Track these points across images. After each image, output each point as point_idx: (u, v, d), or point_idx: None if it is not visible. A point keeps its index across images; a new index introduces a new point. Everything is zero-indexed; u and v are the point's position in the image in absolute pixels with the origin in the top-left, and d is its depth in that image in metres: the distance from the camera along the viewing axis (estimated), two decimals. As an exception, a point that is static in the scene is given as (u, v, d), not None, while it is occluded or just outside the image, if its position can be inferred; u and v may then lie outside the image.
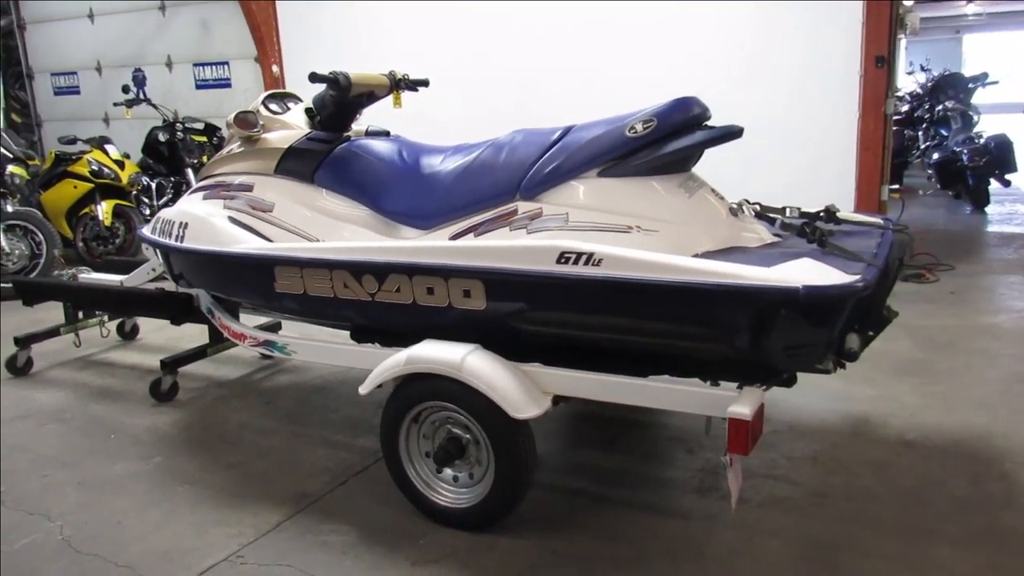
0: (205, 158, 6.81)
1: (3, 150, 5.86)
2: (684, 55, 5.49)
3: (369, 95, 3.09)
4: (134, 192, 6.49)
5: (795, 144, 5.23)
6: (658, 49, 5.56)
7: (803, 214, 2.58)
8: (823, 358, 2.15)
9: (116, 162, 6.40)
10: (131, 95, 6.64)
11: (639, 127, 2.44)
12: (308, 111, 3.13)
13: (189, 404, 3.56)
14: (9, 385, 3.87)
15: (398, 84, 3.19)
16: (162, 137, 6.80)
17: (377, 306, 2.56)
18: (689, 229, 2.43)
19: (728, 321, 2.07)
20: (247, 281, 2.85)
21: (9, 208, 5.72)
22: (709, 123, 2.55)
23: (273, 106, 3.18)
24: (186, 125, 6.90)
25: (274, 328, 3.66)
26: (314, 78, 2.86)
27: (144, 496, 2.73)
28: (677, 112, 2.44)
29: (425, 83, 3.36)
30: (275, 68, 7.02)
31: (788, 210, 2.59)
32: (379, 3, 6.38)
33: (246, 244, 2.80)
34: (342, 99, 2.99)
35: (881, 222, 2.68)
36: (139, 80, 7.86)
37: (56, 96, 8.51)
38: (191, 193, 3.28)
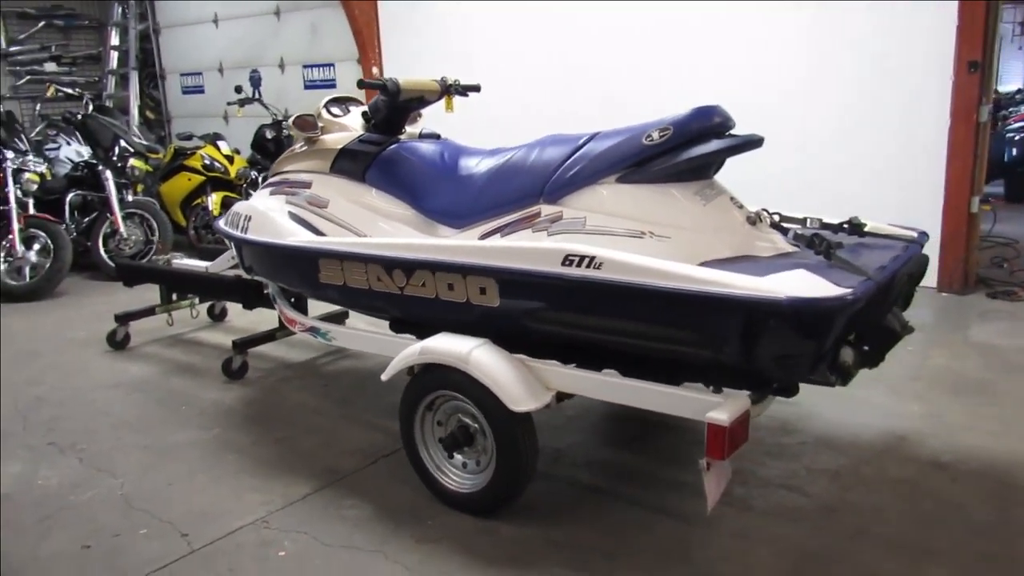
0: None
1: (125, 144, 6.44)
2: (749, 57, 5.43)
3: (419, 100, 3.27)
4: (242, 185, 6.97)
5: (874, 153, 5.06)
6: (727, 51, 5.51)
7: (824, 224, 2.57)
8: (815, 370, 2.14)
9: (226, 157, 6.90)
10: (243, 95, 7.13)
11: (655, 135, 2.50)
12: (364, 114, 3.34)
13: (256, 382, 3.86)
14: (108, 357, 4.30)
15: (448, 89, 3.35)
16: (269, 134, 7.26)
17: (406, 299, 2.73)
18: (701, 237, 2.47)
19: (718, 328, 2.11)
20: (297, 271, 3.09)
21: (129, 198, 6.29)
22: (733, 132, 2.58)
23: (335, 109, 3.41)
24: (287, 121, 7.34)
25: (339, 318, 3.90)
26: (362, 84, 3.07)
27: (197, 462, 3.02)
28: (694, 121, 2.48)
29: (476, 88, 3.51)
30: (375, 69, 7.36)
31: (809, 220, 2.58)
32: (475, 4, 6.58)
33: (296, 237, 3.03)
34: (393, 103, 3.18)
35: (912, 235, 2.62)
36: (255, 80, 8.44)
37: (184, 95, 9.22)
38: (261, 188, 3.56)
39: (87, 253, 6.13)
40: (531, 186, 2.70)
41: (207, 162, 6.77)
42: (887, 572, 2.21)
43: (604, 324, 2.31)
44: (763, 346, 2.07)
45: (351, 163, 3.20)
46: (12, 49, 8.83)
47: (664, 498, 2.66)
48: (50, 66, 9.13)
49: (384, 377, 2.66)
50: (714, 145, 2.45)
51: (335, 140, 3.25)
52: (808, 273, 2.09)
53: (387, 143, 3.18)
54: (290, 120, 3.25)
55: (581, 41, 6.10)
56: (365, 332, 3.07)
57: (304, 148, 3.36)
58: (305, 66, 7.97)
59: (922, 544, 2.34)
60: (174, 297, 4.53)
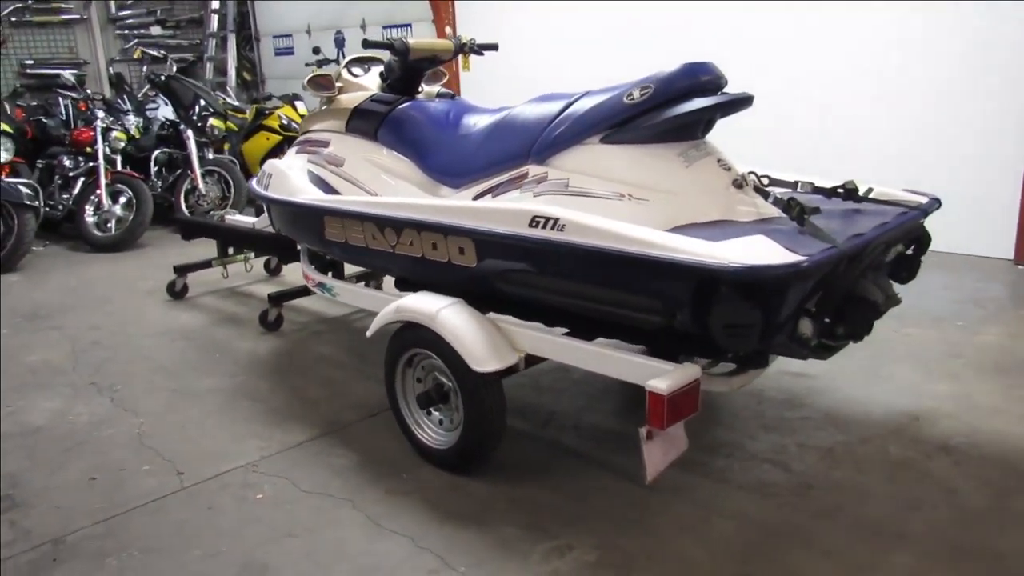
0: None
1: (205, 104, 6.75)
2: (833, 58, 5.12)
3: (431, 59, 3.28)
4: (317, 144, 7.19)
5: (960, 122, 4.70)
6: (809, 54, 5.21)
7: (816, 188, 2.43)
8: (770, 341, 2.05)
9: (302, 117, 7.12)
10: (320, 56, 7.31)
11: (636, 94, 2.43)
12: (381, 74, 3.39)
13: (289, 335, 4.03)
14: (165, 306, 4.59)
15: (462, 48, 3.34)
16: (344, 95, 7.43)
17: (397, 257, 2.78)
18: (681, 200, 2.40)
19: (671, 295, 2.06)
20: (306, 227, 3.19)
21: (209, 155, 6.62)
22: (725, 90, 2.47)
23: (356, 69, 3.47)
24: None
25: (370, 279, 4.00)
26: (367, 44, 3.11)
27: (213, 407, 3.20)
28: (677, 79, 2.40)
29: (494, 47, 3.50)
30: (448, 30, 7.35)
31: (800, 184, 2.45)
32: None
33: (305, 194, 3.13)
34: (405, 63, 3.21)
35: (917, 202, 2.45)
36: (339, 42, 8.64)
37: (276, 56, 9.55)
38: (291, 147, 3.68)
39: (172, 208, 6.51)
40: (520, 146, 2.69)
41: (284, 122, 7.02)
42: (846, 555, 2.11)
43: (570, 288, 2.28)
44: (714, 314, 2.00)
45: (363, 122, 3.25)
46: (121, 14, 9.36)
47: (635, 464, 2.62)
48: (155, 30, 9.63)
49: (368, 334, 2.73)
50: (695, 104, 2.36)
51: (350, 100, 3.32)
52: (767, 240, 2.00)
53: (397, 102, 3.21)
54: (306, 80, 3.33)
55: (666, 9, 5.91)
56: (363, 290, 3.15)
57: (324, 108, 3.44)
58: (384, 27, 8.08)
59: (896, 528, 2.22)
60: (230, 251, 4.76)
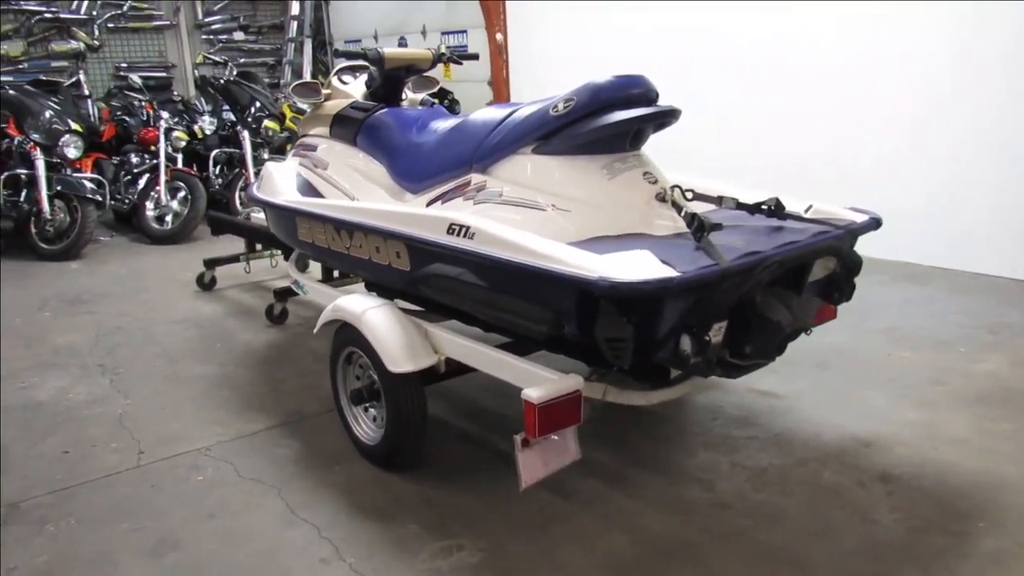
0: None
1: (261, 106, 7.10)
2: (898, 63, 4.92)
3: (408, 68, 3.39)
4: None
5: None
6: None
7: (740, 204, 2.39)
8: (650, 355, 2.05)
9: (300, 121, 7.37)
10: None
11: (561, 106, 2.47)
12: (367, 82, 3.52)
13: (291, 328, 4.23)
14: (192, 296, 4.88)
15: (440, 58, 3.43)
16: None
17: (352, 259, 2.90)
18: (599, 212, 2.43)
19: (558, 306, 2.08)
20: (284, 228, 3.36)
21: (264, 156, 6.95)
22: (656, 102, 2.49)
23: (347, 77, 3.62)
24: (421, 88, 7.69)
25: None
26: (339, 54, 3.24)
27: (196, 392, 3.41)
28: (600, 91, 2.43)
29: (474, 57, 3.57)
30: (499, 36, 7.49)
31: (724, 200, 2.41)
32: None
33: (282, 196, 3.29)
34: (382, 72, 3.33)
35: (848, 221, 2.38)
36: (402, 47, 8.87)
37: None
38: (291, 150, 3.87)
39: (229, 205, 6.88)
40: (465, 154, 2.76)
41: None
42: (725, 576, 2.08)
43: (479, 295, 2.33)
44: (597, 327, 2.02)
45: (343, 128, 3.39)
46: (207, 20, 9.92)
47: (565, 475, 2.63)
48: (238, 35, 10.16)
49: (315, 331, 2.86)
50: (614, 116, 2.38)
51: (332, 106, 3.46)
52: (649, 255, 2.01)
53: (374, 109, 3.33)
54: (291, 87, 3.49)
55: (729, 20, 5.82)
56: (326, 289, 3.30)
57: (313, 114, 3.60)
58: (443, 33, 8.27)
59: (795, 556, 2.17)
60: (258, 248, 5.00)
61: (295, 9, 10.20)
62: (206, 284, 4.97)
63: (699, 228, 2.16)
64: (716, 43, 5.78)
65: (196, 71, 9.75)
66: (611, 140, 2.45)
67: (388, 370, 2.48)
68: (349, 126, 3.36)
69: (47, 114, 6.07)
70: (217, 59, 9.56)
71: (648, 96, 2.46)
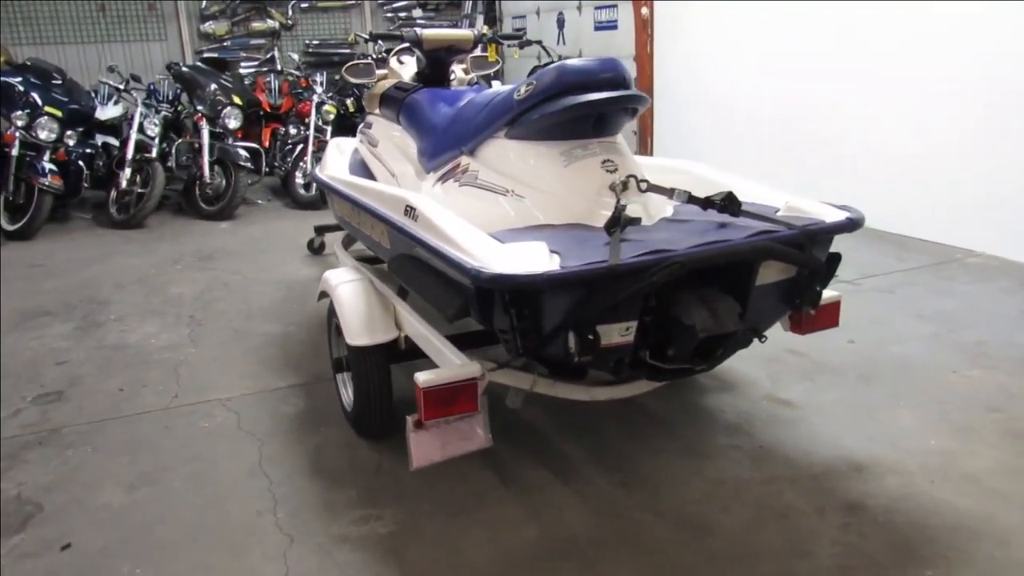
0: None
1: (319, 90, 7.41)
2: None
3: (448, 49, 3.45)
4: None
5: None
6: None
7: (691, 198, 2.24)
8: (537, 349, 2.00)
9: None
10: (524, 38, 7.61)
11: (523, 89, 2.44)
12: (416, 63, 3.63)
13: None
14: (300, 260, 5.29)
15: (482, 38, 3.46)
16: (540, 74, 7.69)
17: (365, 236, 3.06)
18: (550, 199, 2.41)
19: (465, 292, 2.10)
20: (329, 202, 3.57)
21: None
22: (628, 88, 2.39)
23: (405, 57, 3.75)
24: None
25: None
26: (374, 36, 3.37)
27: (250, 347, 3.74)
28: (562, 75, 2.37)
29: (517, 37, 3.55)
30: (644, 10, 7.29)
31: (676, 192, 2.27)
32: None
33: (327, 172, 3.50)
34: (425, 54, 3.42)
35: (816, 219, 2.16)
36: (560, 22, 8.90)
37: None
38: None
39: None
40: (461, 135, 2.80)
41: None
42: (605, 585, 2.01)
43: (417, 279, 2.38)
44: (494, 317, 2.02)
45: (388, 108, 3.53)
46: (384, -1, 10.53)
47: (518, 462, 2.63)
48: (417, 12, 10.65)
49: (318, 300, 3.04)
50: (568, 101, 2.32)
51: (381, 86, 3.61)
52: (541, 247, 1.97)
53: (413, 89, 3.43)
54: (344, 68, 3.67)
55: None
56: (349, 259, 3.48)
57: (370, 93, 3.78)
58: (597, 7, 8.17)
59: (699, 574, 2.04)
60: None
61: (471, -15, 10.52)
62: (315, 249, 5.37)
63: (611, 223, 2.07)
64: (880, 20, 5.24)
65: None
66: (572, 126, 2.39)
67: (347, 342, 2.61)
68: (392, 105, 3.49)
69: (212, 88, 6.77)
70: (365, 36, 10.08)
71: (615, 81, 2.36)
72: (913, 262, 4.60)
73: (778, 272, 2.18)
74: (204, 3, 9.72)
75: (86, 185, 6.65)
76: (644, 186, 2.33)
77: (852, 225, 2.21)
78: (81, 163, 6.56)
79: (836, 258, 2.34)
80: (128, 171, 6.42)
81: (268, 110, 8.04)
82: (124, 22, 9.51)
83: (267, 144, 7.73)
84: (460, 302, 2.12)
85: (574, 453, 2.67)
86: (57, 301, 4.56)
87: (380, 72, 3.70)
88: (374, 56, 7.45)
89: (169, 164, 6.76)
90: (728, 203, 2.18)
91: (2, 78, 6.41)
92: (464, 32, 3.45)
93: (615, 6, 7.84)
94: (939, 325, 3.63)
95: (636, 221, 2.12)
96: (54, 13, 9.20)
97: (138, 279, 4.95)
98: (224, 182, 6.63)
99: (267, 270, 5.06)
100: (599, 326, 1.97)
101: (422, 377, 2.07)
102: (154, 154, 6.55)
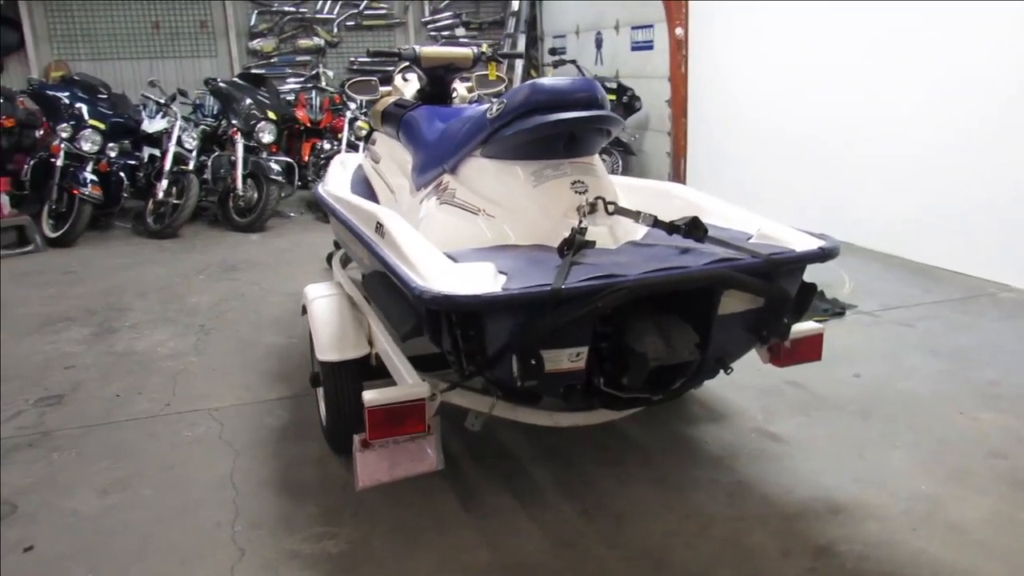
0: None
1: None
2: None
3: (447, 67, 3.45)
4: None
5: None
6: None
7: (657, 222, 2.18)
8: (480, 371, 1.96)
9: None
10: (557, 57, 7.64)
11: (495, 108, 2.42)
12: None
13: (372, 311, 4.49)
14: (320, 274, 5.33)
15: (480, 57, 3.45)
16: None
17: (353, 252, 3.08)
18: (518, 219, 2.39)
19: (417, 313, 2.08)
20: (329, 217, 3.60)
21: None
22: (601, 108, 2.35)
23: (409, 75, 3.77)
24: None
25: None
26: (372, 54, 3.39)
27: (253, 358, 3.78)
28: (532, 94, 2.35)
29: (519, 55, 3.54)
30: (679, 30, 7.21)
31: (642, 216, 2.21)
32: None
33: (323, 187, 3.53)
34: (423, 70, 3.43)
35: (786, 248, 2.08)
36: (598, 42, 8.88)
37: (550, 55, 10.05)
38: (370, 141, 4.12)
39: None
40: (444, 154, 2.79)
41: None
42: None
43: (384, 297, 2.37)
44: (443, 337, 1.99)
45: (389, 124, 3.55)
46: (432, 17, 10.63)
47: (484, 484, 2.59)
48: (460, 31, 10.76)
49: (302, 315, 3.05)
50: (535, 120, 2.29)
51: (384, 103, 3.63)
52: (488, 268, 1.94)
53: (411, 106, 3.44)
54: (347, 85, 3.70)
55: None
56: (341, 275, 3.49)
57: (374, 109, 3.80)
58: (633, 28, 8.12)
59: (643, 613, 1.97)
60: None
61: (515, 5, 10.57)
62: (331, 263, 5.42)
63: (563, 246, 2.02)
64: (919, 42, 5.06)
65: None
66: (543, 145, 2.36)
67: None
68: (392, 122, 3.50)
69: (247, 103, 6.93)
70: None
71: (587, 101, 2.32)
72: (941, 295, 4.41)
73: (744, 302, 2.10)
74: (253, 21, 9.99)
75: (126, 195, 6.85)
76: (612, 208, 2.28)
77: (823, 255, 2.12)
78: (122, 174, 6.76)
79: (810, 289, 2.25)
80: (165, 182, 6.60)
81: (309, 125, 8.20)
82: (177, 39, 9.83)
83: (307, 158, 7.88)
84: (413, 321, 2.09)
85: (543, 478, 2.62)
86: (80, 307, 4.69)
87: (385, 89, 3.72)
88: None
89: (206, 176, 6.93)
90: (692, 228, 2.11)
91: (50, 92, 6.66)
92: (462, 50, 3.45)
93: (651, 27, 7.78)
94: (954, 362, 3.46)
95: (590, 244, 2.07)
96: (111, 30, 9.57)
97: (160, 287, 5.06)
98: (256, 195, 6.76)
99: (285, 281, 5.12)
100: (548, 351, 1.93)
101: (368, 396, 2.05)
102: (191, 166, 6.73)
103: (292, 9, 10.11)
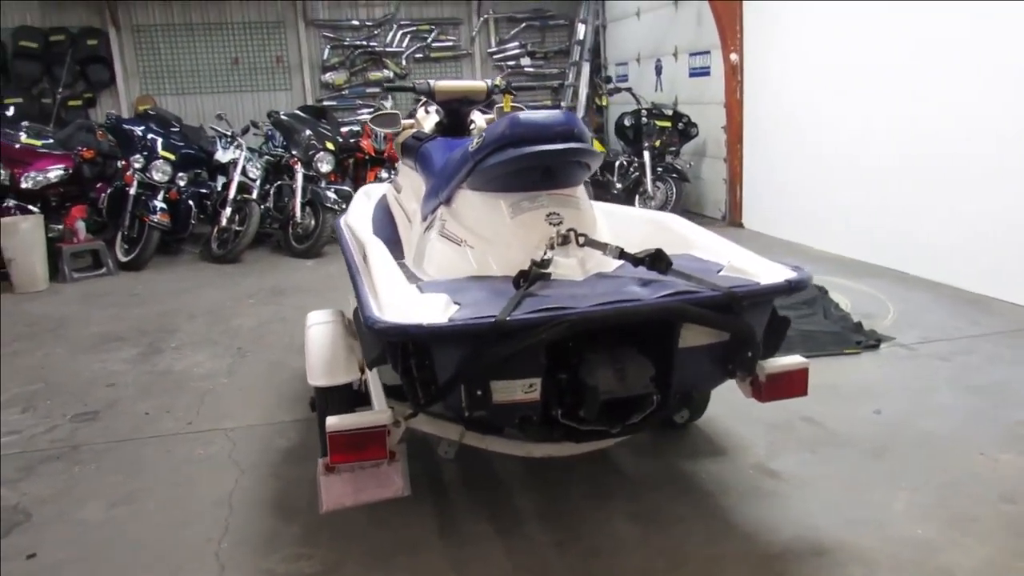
0: (658, 143, 7.45)
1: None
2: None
3: (461, 100, 3.52)
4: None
5: None
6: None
7: (623, 254, 2.18)
8: (431, 400, 1.99)
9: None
10: (611, 85, 7.66)
11: (475, 141, 2.48)
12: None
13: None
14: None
15: (494, 90, 3.51)
16: (627, 122, 7.70)
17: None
18: (494, 250, 2.43)
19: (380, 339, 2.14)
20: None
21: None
22: (579, 141, 2.38)
23: (431, 108, 3.87)
24: (653, 111, 7.63)
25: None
26: (385, 87, 3.50)
27: (280, 381, 3.91)
28: (509, 127, 2.39)
29: (531, 88, 3.59)
30: (733, 56, 7.13)
31: (609, 248, 2.22)
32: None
33: (345, 215, 3.65)
34: (440, 104, 3.53)
35: (751, 282, 2.05)
36: (658, 69, 8.86)
37: (617, 81, 10.06)
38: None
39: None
40: (441, 185, 2.86)
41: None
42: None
43: (360, 323, 2.44)
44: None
45: (408, 156, 3.65)
46: (494, 48, 10.83)
47: (466, 512, 2.60)
48: (525, 61, 10.91)
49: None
50: (511, 152, 2.32)
51: (404, 136, 3.73)
52: (442, 299, 1.99)
53: (427, 139, 3.53)
54: (370, 119, 3.83)
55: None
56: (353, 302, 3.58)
57: (396, 141, 3.91)
58: (691, 54, 8.07)
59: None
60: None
61: (580, 34, 10.65)
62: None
63: (518, 278, 2.05)
64: (985, 68, 4.86)
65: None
66: (521, 177, 2.39)
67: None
68: (411, 154, 3.60)
69: (307, 134, 7.21)
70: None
71: (564, 134, 2.34)
72: (988, 327, 4.19)
73: (708, 335, 2.07)
74: (326, 55, 10.40)
75: (194, 222, 7.21)
76: (582, 240, 2.28)
77: (790, 288, 2.07)
78: (191, 202, 7.12)
79: (781, 323, 2.19)
80: (228, 210, 6.92)
81: (373, 154, 8.45)
82: (254, 74, 10.33)
83: (370, 187, 8.12)
84: (379, 350, 2.15)
85: (526, 508, 2.62)
86: (134, 328, 4.96)
87: (407, 121, 3.83)
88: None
89: (268, 204, 7.23)
90: (655, 261, 2.10)
91: (125, 125, 7.10)
92: (476, 83, 3.52)
93: (708, 53, 7.72)
94: (986, 399, 3.29)
95: (545, 276, 2.09)
96: (194, 67, 10.14)
97: (210, 310, 5.30)
98: (313, 222, 7.00)
99: (326, 305, 5.25)
100: (500, 382, 1.95)
101: (330, 421, 2.11)
102: (254, 195, 7.04)
103: (363, 43, 10.48)
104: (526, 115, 2.38)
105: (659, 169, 7.44)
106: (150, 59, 10.02)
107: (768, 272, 2.12)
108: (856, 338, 4.02)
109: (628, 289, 2.06)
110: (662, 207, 7.43)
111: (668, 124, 7.59)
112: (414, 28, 10.64)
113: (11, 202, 6.48)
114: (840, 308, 4.56)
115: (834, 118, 6.09)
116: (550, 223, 2.34)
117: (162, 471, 3.00)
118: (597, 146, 7.50)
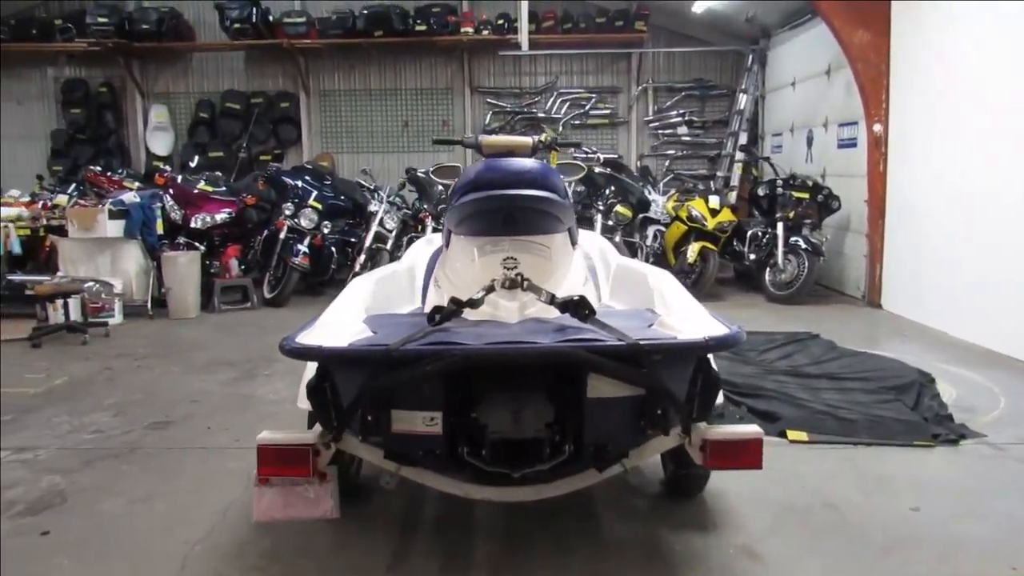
0: (792, 215, 7.13)
1: (613, 191, 7.61)
2: None
3: (508, 154, 3.64)
4: (723, 238, 7.38)
5: None
6: None
7: (552, 300, 2.20)
8: (342, 425, 2.07)
9: (711, 210, 7.39)
10: (749, 155, 7.47)
11: (455, 185, 2.60)
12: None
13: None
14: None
15: (539, 145, 3.60)
16: (761, 192, 7.45)
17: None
18: (459, 291, 2.50)
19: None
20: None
21: (616, 238, 7.46)
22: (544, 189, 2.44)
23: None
24: (791, 182, 7.34)
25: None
26: (436, 141, 3.68)
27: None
28: (476, 172, 2.50)
29: (575, 145, 3.63)
30: (877, 127, 6.73)
31: (543, 293, 2.22)
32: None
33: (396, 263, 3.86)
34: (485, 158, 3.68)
35: (668, 337, 1.99)
36: (809, 140, 8.52)
37: (772, 152, 9.75)
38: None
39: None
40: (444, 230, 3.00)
41: (693, 214, 7.40)
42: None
43: None
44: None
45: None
46: (651, 117, 10.88)
47: (420, 552, 2.63)
48: (682, 129, 10.85)
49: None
50: (469, 197, 2.43)
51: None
52: (358, 328, 2.10)
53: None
54: (432, 170, 4.03)
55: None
56: None
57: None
58: (840, 124, 7.69)
59: None
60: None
61: (740, 104, 10.47)
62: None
63: (431, 315, 2.11)
64: None
65: (639, 161, 10.76)
66: (485, 222, 2.47)
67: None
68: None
69: (438, 190, 7.63)
70: (588, 152, 10.26)
71: (526, 181, 2.40)
72: (1110, 434, 3.61)
73: (619, 388, 2.00)
74: (487, 119, 10.96)
75: (334, 267, 7.80)
76: (526, 284, 2.30)
77: (707, 347, 1.96)
78: (333, 248, 7.73)
79: (713, 383, 2.07)
80: (363, 256, 7.44)
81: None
82: (422, 135, 11.06)
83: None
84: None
85: (482, 554, 2.60)
86: (244, 355, 5.44)
87: (468, 174, 4.00)
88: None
89: (400, 254, 7.69)
90: (577, 308, 2.08)
91: (283, 177, 7.88)
92: (522, 139, 3.60)
93: (856, 124, 7.33)
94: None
95: (457, 314, 2.12)
96: (369, 128, 11.06)
97: (315, 346, 5.70)
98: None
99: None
100: (400, 411, 2.01)
101: (262, 435, 2.25)
102: (388, 245, 7.52)
103: (523, 109, 10.95)
104: (499, 162, 2.45)
105: (792, 242, 7.11)
106: (332, 120, 11.06)
107: (693, 329, 2.03)
108: (935, 431, 3.61)
109: (537, 333, 2.06)
110: (791, 282, 7.07)
111: (806, 195, 7.24)
112: (573, 96, 10.97)
113: (181, 239, 7.38)
114: (937, 398, 4.11)
115: (984, 194, 5.53)
116: (505, 267, 2.38)
117: (189, 478, 3.28)
118: (728, 215, 7.33)
